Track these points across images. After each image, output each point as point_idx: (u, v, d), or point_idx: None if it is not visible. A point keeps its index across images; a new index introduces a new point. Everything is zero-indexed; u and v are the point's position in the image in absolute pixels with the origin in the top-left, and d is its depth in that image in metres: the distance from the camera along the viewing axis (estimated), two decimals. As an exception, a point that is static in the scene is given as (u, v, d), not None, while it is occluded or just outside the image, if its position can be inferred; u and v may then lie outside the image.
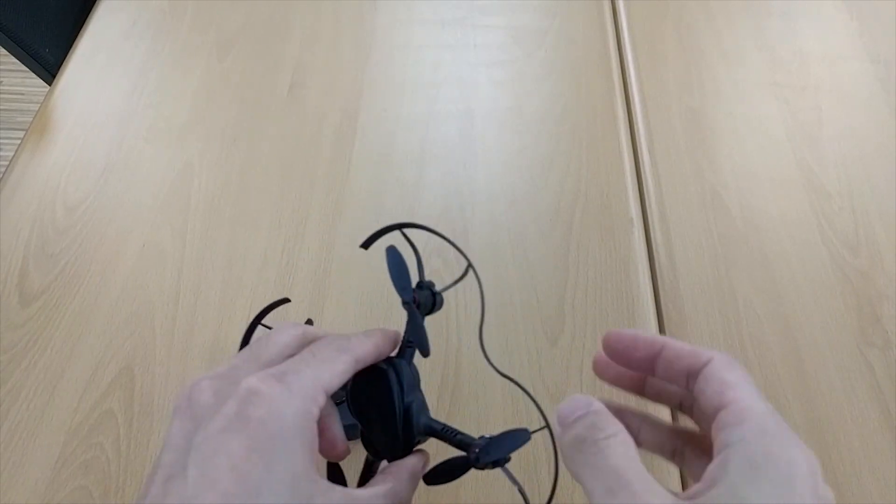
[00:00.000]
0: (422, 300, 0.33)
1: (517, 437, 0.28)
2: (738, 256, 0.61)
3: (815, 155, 0.69)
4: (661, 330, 0.57)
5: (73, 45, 0.80)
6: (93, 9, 0.84)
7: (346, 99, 0.74)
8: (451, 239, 0.35)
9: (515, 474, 0.28)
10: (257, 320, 0.37)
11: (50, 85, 0.78)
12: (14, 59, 0.88)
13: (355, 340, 0.29)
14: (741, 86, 0.75)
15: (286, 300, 0.38)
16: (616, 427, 0.23)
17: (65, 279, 0.60)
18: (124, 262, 0.61)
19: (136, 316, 0.57)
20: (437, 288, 0.34)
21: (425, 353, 0.32)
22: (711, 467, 0.21)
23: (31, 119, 0.73)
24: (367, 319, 0.57)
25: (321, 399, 0.26)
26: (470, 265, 0.33)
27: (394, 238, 0.34)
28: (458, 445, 0.30)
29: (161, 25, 0.81)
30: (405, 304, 0.32)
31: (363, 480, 0.32)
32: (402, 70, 0.77)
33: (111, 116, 0.73)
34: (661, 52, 0.78)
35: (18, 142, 0.71)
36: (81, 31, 0.82)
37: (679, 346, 0.26)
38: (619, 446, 0.22)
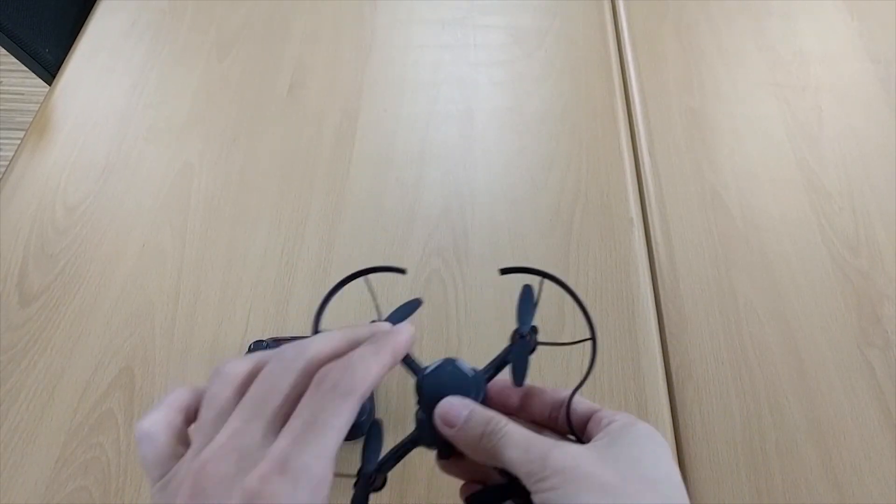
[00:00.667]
0: (531, 340, 0.35)
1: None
2: (738, 256, 0.61)
3: (815, 155, 0.69)
4: (661, 330, 0.57)
5: (73, 45, 0.80)
6: (93, 9, 0.84)
7: (346, 99, 0.74)
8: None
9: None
10: (344, 284, 0.37)
11: (50, 85, 0.78)
12: (14, 59, 0.88)
13: (361, 371, 0.26)
14: (741, 86, 0.75)
15: (402, 270, 0.37)
16: (503, 417, 0.29)
17: (65, 279, 0.60)
18: (124, 262, 0.61)
19: (136, 316, 0.57)
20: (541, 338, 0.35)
21: (519, 384, 0.33)
22: (597, 436, 0.29)
23: (31, 119, 0.73)
24: (367, 320, 0.57)
25: (330, 474, 0.25)
26: (594, 338, 0.34)
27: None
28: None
29: (161, 25, 0.81)
30: (520, 335, 0.35)
31: (363, 495, 0.31)
32: (402, 70, 0.77)
33: (111, 116, 0.73)
34: (661, 52, 0.78)
35: (18, 142, 0.71)
36: (81, 31, 0.82)
37: (539, 389, 0.33)
38: (516, 427, 0.28)
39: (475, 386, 0.32)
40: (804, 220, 0.64)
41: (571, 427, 0.32)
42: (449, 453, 0.32)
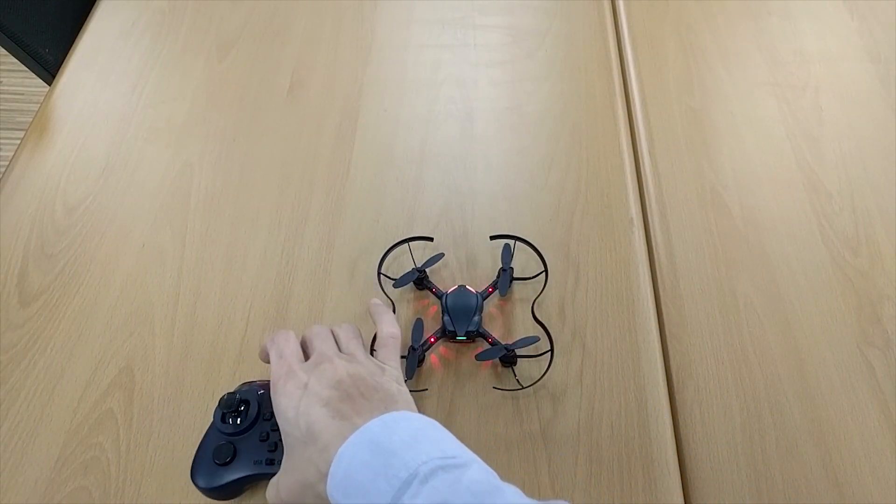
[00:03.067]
0: (510, 272, 0.59)
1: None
2: (738, 256, 0.61)
3: (815, 155, 0.69)
4: (661, 330, 0.57)
5: (73, 45, 0.80)
6: (93, 9, 0.84)
7: (346, 99, 0.74)
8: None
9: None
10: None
11: (50, 85, 0.78)
12: (14, 59, 0.88)
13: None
14: (741, 86, 0.75)
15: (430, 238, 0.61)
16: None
17: (64, 279, 0.60)
18: (124, 263, 0.61)
19: (136, 316, 0.57)
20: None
21: (503, 294, 0.58)
22: None
23: (31, 119, 0.73)
24: (367, 320, 0.57)
25: None
26: (546, 271, 0.60)
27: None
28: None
29: (161, 25, 0.81)
30: (503, 269, 0.58)
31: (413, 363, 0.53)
32: (402, 70, 0.77)
33: (111, 116, 0.73)
34: (661, 52, 0.78)
35: (18, 142, 0.71)
36: (81, 31, 0.82)
37: None
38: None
39: (477, 301, 0.55)
40: (804, 220, 0.64)
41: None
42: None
